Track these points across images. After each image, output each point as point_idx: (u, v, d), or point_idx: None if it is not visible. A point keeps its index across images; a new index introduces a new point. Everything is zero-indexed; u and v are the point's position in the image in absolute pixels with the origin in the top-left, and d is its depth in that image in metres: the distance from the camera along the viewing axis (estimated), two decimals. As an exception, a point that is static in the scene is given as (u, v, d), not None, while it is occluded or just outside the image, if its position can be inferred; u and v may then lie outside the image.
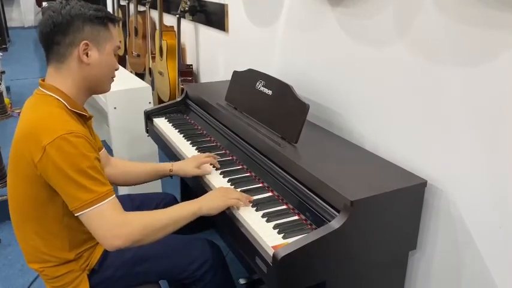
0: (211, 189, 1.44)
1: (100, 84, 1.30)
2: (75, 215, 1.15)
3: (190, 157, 1.60)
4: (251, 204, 1.33)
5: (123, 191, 2.46)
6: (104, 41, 1.24)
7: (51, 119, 1.15)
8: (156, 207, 1.59)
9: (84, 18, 1.20)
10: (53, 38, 1.20)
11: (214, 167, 1.56)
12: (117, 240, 1.13)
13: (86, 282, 1.30)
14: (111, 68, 1.29)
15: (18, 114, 4.07)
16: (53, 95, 1.21)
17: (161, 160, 2.71)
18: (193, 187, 1.60)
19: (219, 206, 1.29)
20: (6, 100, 4.15)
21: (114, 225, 1.14)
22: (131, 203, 1.60)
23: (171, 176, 1.59)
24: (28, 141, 1.13)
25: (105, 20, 1.24)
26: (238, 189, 1.39)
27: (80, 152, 1.12)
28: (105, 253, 1.33)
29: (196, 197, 1.35)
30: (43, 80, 1.26)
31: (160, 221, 1.21)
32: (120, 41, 4.38)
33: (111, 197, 1.16)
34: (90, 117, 1.32)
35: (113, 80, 1.34)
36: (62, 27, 1.19)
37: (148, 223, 1.19)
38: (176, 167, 1.56)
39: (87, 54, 1.22)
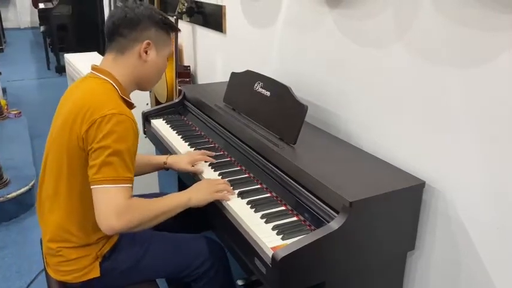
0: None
1: (147, 82, 1.40)
2: (91, 186, 1.19)
3: (186, 152, 1.65)
4: (235, 193, 1.39)
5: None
6: (163, 44, 1.37)
7: (107, 98, 1.24)
8: None
9: (153, 20, 1.33)
10: (122, 30, 1.30)
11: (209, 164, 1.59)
12: (117, 223, 1.18)
13: (97, 271, 1.32)
14: (161, 70, 1.41)
15: (15, 116, 4.06)
16: (108, 79, 1.30)
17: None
18: (189, 184, 1.60)
19: (205, 200, 1.35)
20: (3, 101, 4.12)
21: (120, 209, 1.18)
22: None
23: (166, 169, 1.64)
24: (81, 113, 1.20)
25: (169, 27, 1.38)
26: (237, 190, 1.40)
27: (124, 133, 1.20)
28: (117, 243, 1.37)
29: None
30: (95, 66, 1.35)
31: (156, 210, 1.27)
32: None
33: (129, 185, 1.22)
34: (134, 107, 1.38)
35: (157, 82, 1.45)
36: (132, 23, 1.30)
37: (145, 211, 1.25)
38: (170, 160, 1.61)
39: (146, 52, 1.32)
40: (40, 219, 1.36)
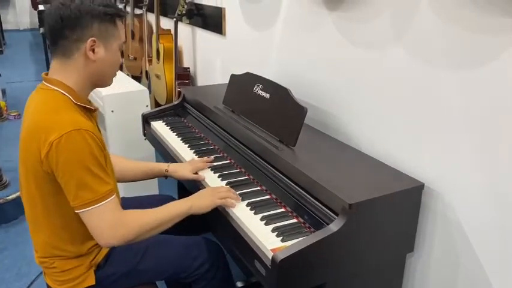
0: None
1: (103, 79, 1.30)
2: (75, 211, 1.16)
3: (187, 161, 1.63)
4: (241, 200, 1.36)
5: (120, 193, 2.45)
6: (111, 38, 1.24)
7: (58, 114, 1.16)
8: None
9: (93, 14, 1.19)
10: (60, 32, 1.18)
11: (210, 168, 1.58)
12: (112, 239, 1.17)
13: (92, 279, 1.31)
14: (115, 64, 1.29)
15: (14, 117, 4.07)
16: (58, 90, 1.21)
17: (158, 163, 2.71)
18: (190, 189, 1.61)
19: (207, 206, 1.32)
20: (2, 103, 4.14)
21: (111, 225, 1.17)
22: (128, 207, 1.61)
23: (165, 177, 1.62)
24: (35, 136, 1.14)
25: (114, 16, 1.23)
26: (237, 192, 1.40)
27: (86, 149, 1.13)
28: (112, 249, 1.35)
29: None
30: (46, 74, 1.25)
31: (154, 221, 1.24)
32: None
33: (112, 197, 1.18)
34: (95, 110, 1.32)
35: (116, 75, 1.35)
36: (70, 23, 1.17)
37: (143, 224, 1.22)
38: (172, 168, 1.58)
39: (93, 51, 1.21)
40: (31, 236, 1.33)
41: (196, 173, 1.55)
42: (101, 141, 1.22)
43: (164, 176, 1.62)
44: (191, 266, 1.42)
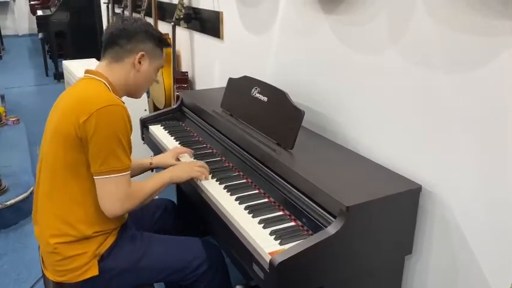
0: (207, 195, 1.47)
1: (137, 90, 1.51)
2: (96, 177, 1.28)
3: (168, 151, 1.76)
4: (210, 176, 1.53)
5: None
6: (156, 58, 1.48)
7: (101, 92, 1.34)
8: (154, 214, 1.72)
9: (149, 35, 1.45)
10: (118, 40, 1.41)
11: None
12: (120, 209, 1.31)
13: (96, 269, 1.34)
14: (150, 81, 1.52)
15: (13, 123, 4.06)
16: (101, 80, 1.39)
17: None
18: (189, 193, 1.61)
19: (184, 177, 1.50)
20: (1, 108, 4.13)
21: (123, 196, 1.30)
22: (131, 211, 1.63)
23: (151, 169, 1.74)
24: (77, 108, 1.27)
25: (163, 43, 1.50)
26: (235, 196, 1.41)
27: (123, 123, 1.29)
28: (115, 243, 1.39)
29: (193, 202, 1.48)
30: (89, 69, 1.43)
31: (149, 192, 1.40)
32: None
33: (129, 172, 1.33)
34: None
35: (146, 91, 1.54)
36: (130, 35, 1.41)
37: (142, 196, 1.38)
38: (155, 160, 1.71)
39: (140, 63, 1.42)
40: (38, 219, 1.38)
41: (178, 160, 1.67)
42: (131, 123, 1.35)
43: (150, 169, 1.72)
44: (189, 266, 1.44)
